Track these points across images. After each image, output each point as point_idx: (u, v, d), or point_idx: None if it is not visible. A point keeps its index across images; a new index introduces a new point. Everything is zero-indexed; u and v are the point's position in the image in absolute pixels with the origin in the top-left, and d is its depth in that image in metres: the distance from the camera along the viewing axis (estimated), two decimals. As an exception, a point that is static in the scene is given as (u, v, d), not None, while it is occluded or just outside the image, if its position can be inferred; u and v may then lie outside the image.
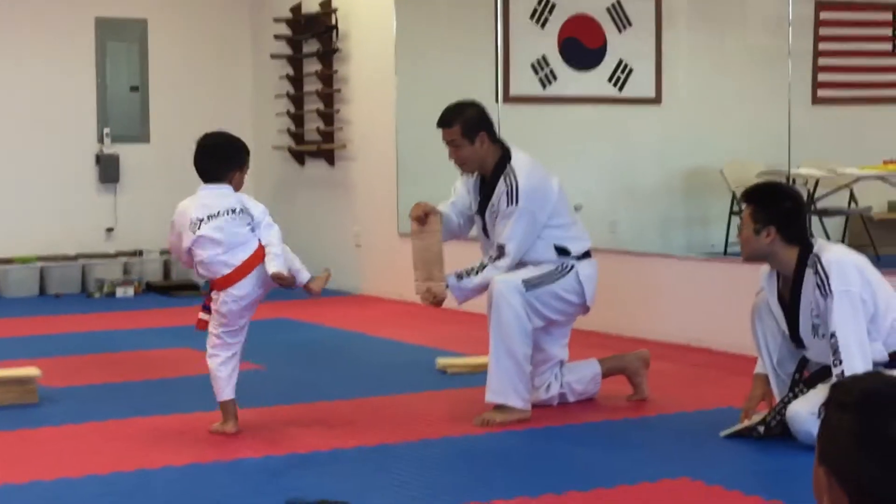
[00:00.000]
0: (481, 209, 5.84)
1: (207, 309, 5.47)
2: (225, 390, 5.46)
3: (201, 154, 5.46)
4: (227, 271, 5.32)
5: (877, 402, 1.89)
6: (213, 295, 5.41)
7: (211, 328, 5.47)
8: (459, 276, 5.73)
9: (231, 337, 5.46)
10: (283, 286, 5.43)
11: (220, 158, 5.44)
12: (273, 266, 5.29)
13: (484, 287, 5.69)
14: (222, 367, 5.45)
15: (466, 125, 5.73)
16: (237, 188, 5.46)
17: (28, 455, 5.15)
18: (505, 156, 5.76)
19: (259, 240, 5.36)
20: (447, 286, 5.71)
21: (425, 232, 5.77)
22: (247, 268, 5.33)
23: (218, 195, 5.37)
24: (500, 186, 5.70)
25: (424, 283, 5.76)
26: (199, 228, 5.31)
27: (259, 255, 5.34)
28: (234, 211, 5.33)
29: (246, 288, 5.35)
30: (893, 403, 1.88)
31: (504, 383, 5.60)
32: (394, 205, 10.06)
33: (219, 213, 5.32)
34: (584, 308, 5.86)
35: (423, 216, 5.77)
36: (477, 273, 5.70)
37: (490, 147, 5.75)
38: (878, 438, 1.86)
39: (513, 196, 5.65)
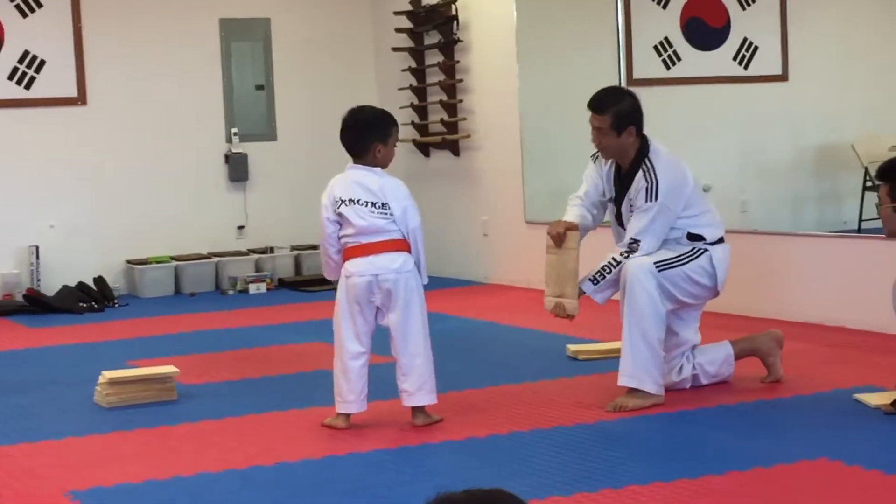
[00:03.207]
0: (617, 200, 5.80)
1: None
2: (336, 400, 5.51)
3: (342, 130, 5.47)
4: (353, 244, 5.37)
5: None
6: None
7: None
8: (595, 281, 5.70)
9: (335, 324, 5.45)
10: None
11: (358, 133, 5.42)
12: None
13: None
14: (334, 366, 5.50)
15: (617, 117, 5.64)
16: (384, 162, 5.44)
17: (168, 451, 5.26)
18: (643, 147, 5.71)
19: (399, 233, 5.36)
20: (581, 295, 5.69)
21: (562, 248, 5.74)
22: (368, 249, 5.34)
23: (363, 179, 5.38)
24: (639, 181, 5.64)
25: (555, 298, 5.75)
26: (339, 207, 5.37)
27: (390, 245, 5.35)
28: (374, 205, 5.35)
29: (359, 266, 5.35)
30: None
31: (638, 367, 5.57)
32: (520, 193, 10.05)
33: (359, 201, 5.35)
34: (715, 292, 5.80)
35: (562, 234, 5.75)
36: (610, 272, 5.66)
37: (634, 141, 5.70)
38: None
39: (652, 193, 5.59)
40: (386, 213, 5.35)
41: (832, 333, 7.26)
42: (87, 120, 10.78)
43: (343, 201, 5.36)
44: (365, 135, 5.41)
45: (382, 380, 5.65)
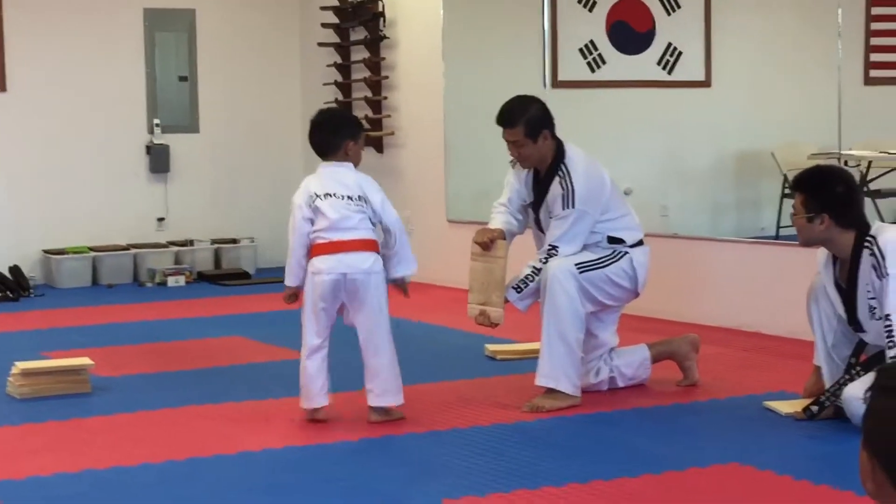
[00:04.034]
0: (535, 206, 5.81)
1: None
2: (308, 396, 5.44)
3: (312, 129, 5.47)
4: (322, 240, 5.33)
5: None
6: None
7: None
8: (518, 289, 5.71)
9: (303, 323, 5.40)
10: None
11: (330, 130, 5.43)
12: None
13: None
14: (305, 361, 5.42)
15: (529, 125, 5.64)
16: (355, 160, 5.45)
17: (81, 444, 5.20)
18: (559, 150, 5.72)
19: (370, 232, 5.35)
20: (505, 303, 5.70)
21: (489, 256, 5.73)
22: (339, 247, 5.30)
23: (337, 174, 5.37)
24: (556, 188, 5.65)
25: (479, 305, 5.75)
26: (314, 202, 5.33)
27: (360, 244, 5.31)
28: (351, 198, 5.33)
29: (328, 263, 5.29)
30: None
31: (555, 367, 5.59)
32: (442, 191, 10.06)
33: (335, 194, 5.32)
34: (634, 294, 5.84)
35: (489, 242, 5.74)
36: (533, 280, 5.68)
37: (551, 144, 5.71)
38: None
39: (569, 200, 5.61)
40: (363, 207, 5.33)
41: (748, 338, 7.33)
42: (6, 107, 10.64)
43: (319, 196, 5.33)
44: (337, 132, 5.42)
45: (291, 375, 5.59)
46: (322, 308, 5.35)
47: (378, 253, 5.38)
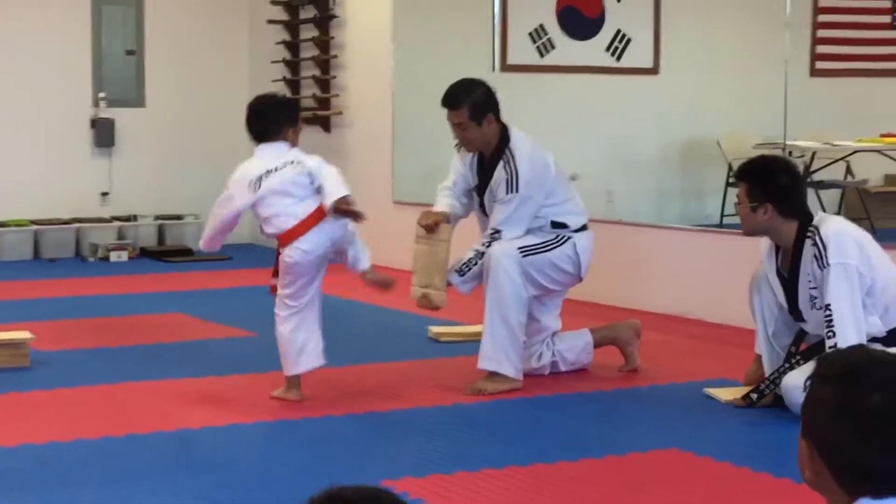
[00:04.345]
0: (480, 190, 5.81)
1: (277, 273, 5.44)
2: (297, 362, 5.42)
3: (253, 115, 5.47)
4: (294, 223, 5.30)
5: (858, 375, 1.90)
6: (281, 251, 5.37)
7: (279, 291, 5.43)
8: (461, 272, 5.71)
9: (295, 299, 5.40)
10: (348, 215, 5.38)
11: (270, 117, 5.44)
12: (330, 198, 5.29)
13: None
14: (292, 334, 5.41)
15: (474, 107, 5.64)
16: (294, 145, 5.46)
17: (19, 418, 5.16)
18: (504, 135, 5.71)
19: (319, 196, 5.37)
20: (448, 286, 5.70)
21: (433, 239, 5.73)
22: (313, 220, 5.30)
23: (274, 152, 5.37)
24: (500, 172, 5.65)
25: (422, 288, 5.74)
26: (260, 186, 5.30)
27: (322, 212, 5.32)
28: (293, 163, 5.33)
29: (311, 242, 5.30)
30: (874, 376, 1.89)
31: (497, 351, 5.60)
32: (389, 172, 10.04)
33: (277, 167, 5.31)
34: (578, 279, 5.85)
35: (434, 225, 5.73)
36: (476, 263, 5.68)
37: (496, 128, 5.71)
38: (857, 410, 1.87)
39: (513, 185, 5.61)
40: (303, 171, 5.31)
41: (690, 326, 7.37)
42: (-51, 76, 10.51)
43: (261, 176, 5.31)
44: (276, 119, 5.44)
45: (241, 354, 5.59)
46: (316, 273, 5.43)
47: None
